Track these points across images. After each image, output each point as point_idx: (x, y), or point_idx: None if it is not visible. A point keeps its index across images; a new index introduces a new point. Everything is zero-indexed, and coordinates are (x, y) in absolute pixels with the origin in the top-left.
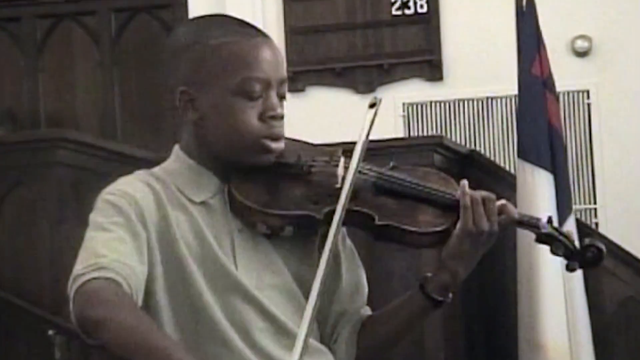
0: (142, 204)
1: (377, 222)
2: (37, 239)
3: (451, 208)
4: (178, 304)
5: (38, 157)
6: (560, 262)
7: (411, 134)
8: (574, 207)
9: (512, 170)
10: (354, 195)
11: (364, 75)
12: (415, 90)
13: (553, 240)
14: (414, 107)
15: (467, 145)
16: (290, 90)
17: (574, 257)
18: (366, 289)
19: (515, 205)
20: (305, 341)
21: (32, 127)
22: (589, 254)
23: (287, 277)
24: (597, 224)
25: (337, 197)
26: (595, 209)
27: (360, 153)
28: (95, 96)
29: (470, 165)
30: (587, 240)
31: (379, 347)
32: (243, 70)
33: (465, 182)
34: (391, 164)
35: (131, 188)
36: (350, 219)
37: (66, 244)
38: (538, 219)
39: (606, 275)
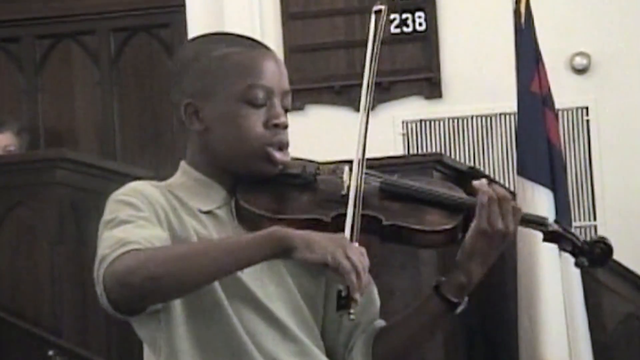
0: (154, 202)
1: (384, 223)
2: (36, 259)
3: (458, 209)
4: (192, 302)
5: (37, 177)
6: (561, 279)
7: (410, 151)
8: (574, 224)
9: (512, 188)
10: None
11: None
12: (414, 108)
13: (560, 237)
14: (414, 125)
15: (467, 162)
16: None
17: (582, 254)
18: (378, 302)
19: None
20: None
21: (32, 146)
22: (598, 249)
23: (292, 289)
24: None
25: (344, 203)
26: (596, 226)
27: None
28: (95, 115)
29: (470, 182)
30: (595, 237)
31: (395, 355)
32: (246, 77)
33: (484, 180)
34: (396, 175)
35: (141, 187)
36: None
37: (66, 264)
38: (544, 218)
39: (607, 292)
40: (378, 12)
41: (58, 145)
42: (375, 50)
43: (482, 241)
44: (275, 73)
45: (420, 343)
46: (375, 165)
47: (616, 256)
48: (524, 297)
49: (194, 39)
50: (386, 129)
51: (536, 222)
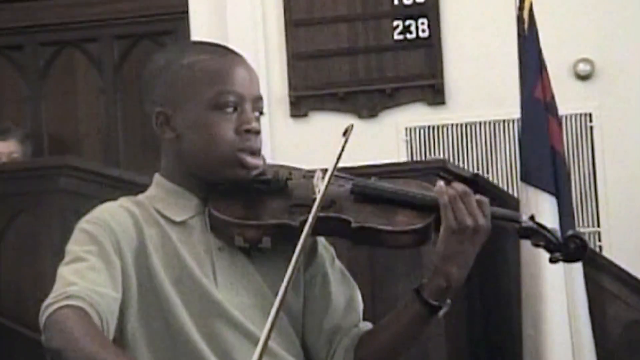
0: (118, 231)
1: (353, 225)
2: (40, 266)
3: (429, 209)
4: (154, 329)
5: (41, 185)
6: (565, 286)
7: (414, 158)
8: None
9: (516, 194)
10: (331, 203)
11: (366, 100)
12: (417, 114)
13: (534, 233)
14: (417, 131)
15: (471, 169)
16: (292, 115)
17: (557, 249)
18: (361, 306)
19: None
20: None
21: (35, 153)
22: (572, 244)
23: (267, 296)
24: (601, 247)
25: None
26: (599, 232)
27: (334, 168)
28: (98, 123)
29: (474, 189)
30: (569, 232)
31: (378, 358)
32: (216, 84)
33: (441, 182)
34: (373, 178)
35: (108, 214)
36: (327, 226)
37: None
38: (518, 214)
39: (611, 299)
40: (346, 132)
41: (61, 153)
42: (338, 162)
43: (455, 241)
44: (245, 79)
45: (402, 346)
46: (379, 172)
47: (620, 262)
48: (528, 303)
49: (162, 49)
50: (389, 136)
51: (509, 218)
